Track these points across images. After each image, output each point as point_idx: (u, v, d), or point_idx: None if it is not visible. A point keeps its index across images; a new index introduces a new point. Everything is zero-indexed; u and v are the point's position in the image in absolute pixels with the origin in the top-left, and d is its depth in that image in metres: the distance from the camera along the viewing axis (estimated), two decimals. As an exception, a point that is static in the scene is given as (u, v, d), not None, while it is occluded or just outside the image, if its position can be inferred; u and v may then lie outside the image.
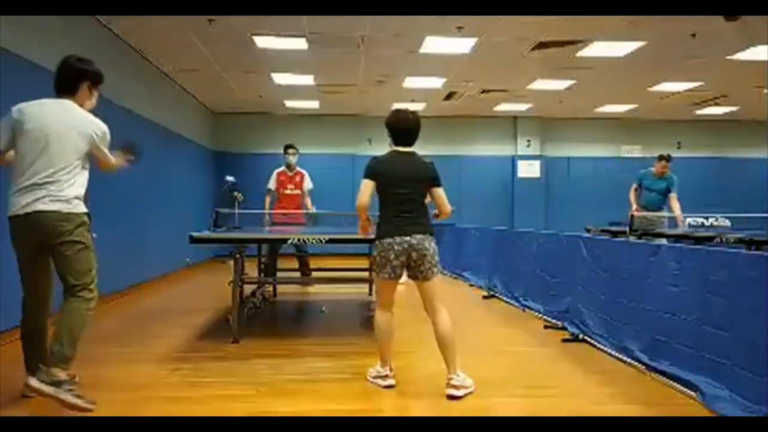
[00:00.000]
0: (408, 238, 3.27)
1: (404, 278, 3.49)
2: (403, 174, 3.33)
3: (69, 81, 3.11)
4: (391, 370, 3.43)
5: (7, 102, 4.39)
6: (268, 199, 7.19)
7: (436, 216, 3.50)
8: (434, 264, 3.33)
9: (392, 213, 3.33)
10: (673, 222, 7.25)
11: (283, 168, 7.23)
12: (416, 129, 3.42)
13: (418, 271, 3.32)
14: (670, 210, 7.25)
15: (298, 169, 7.22)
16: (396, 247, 3.27)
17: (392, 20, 6.34)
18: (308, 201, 7.19)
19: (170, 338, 4.60)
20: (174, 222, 8.72)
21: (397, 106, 12.11)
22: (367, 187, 3.34)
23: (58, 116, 3.00)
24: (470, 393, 3.22)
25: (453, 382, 3.21)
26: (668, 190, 7.26)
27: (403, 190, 3.32)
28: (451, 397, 3.16)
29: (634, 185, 7.53)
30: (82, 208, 3.01)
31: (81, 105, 3.11)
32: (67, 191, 2.95)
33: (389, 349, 3.44)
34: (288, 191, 7.13)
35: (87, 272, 3.00)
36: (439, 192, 3.41)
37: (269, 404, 3.10)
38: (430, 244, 3.31)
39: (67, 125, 2.99)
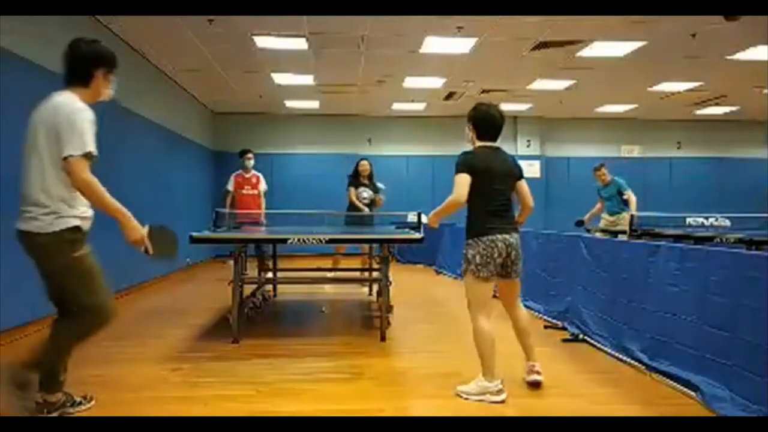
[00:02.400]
0: (508, 236, 3.22)
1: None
2: (499, 169, 3.25)
3: (81, 69, 2.80)
4: (501, 381, 3.19)
5: (7, 102, 4.41)
6: (228, 200, 7.81)
7: (519, 216, 3.46)
8: (523, 262, 3.38)
9: (490, 209, 3.23)
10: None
11: (240, 171, 7.93)
12: (502, 123, 3.35)
13: (511, 269, 3.30)
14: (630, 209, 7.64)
15: (254, 171, 7.92)
16: (499, 245, 3.19)
17: (392, 20, 6.34)
18: (261, 201, 7.92)
19: (170, 338, 4.60)
20: (174, 222, 8.68)
21: (397, 106, 12.05)
22: (465, 181, 3.16)
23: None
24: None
25: (536, 368, 3.37)
26: (620, 193, 7.80)
27: (499, 186, 3.25)
28: (535, 383, 3.35)
29: (599, 199, 8.14)
30: None
31: (97, 96, 2.86)
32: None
33: (494, 359, 3.21)
34: (245, 192, 7.82)
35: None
36: (525, 185, 3.38)
37: (269, 404, 3.10)
38: (520, 243, 3.33)
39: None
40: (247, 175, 7.86)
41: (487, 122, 3.31)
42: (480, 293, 3.24)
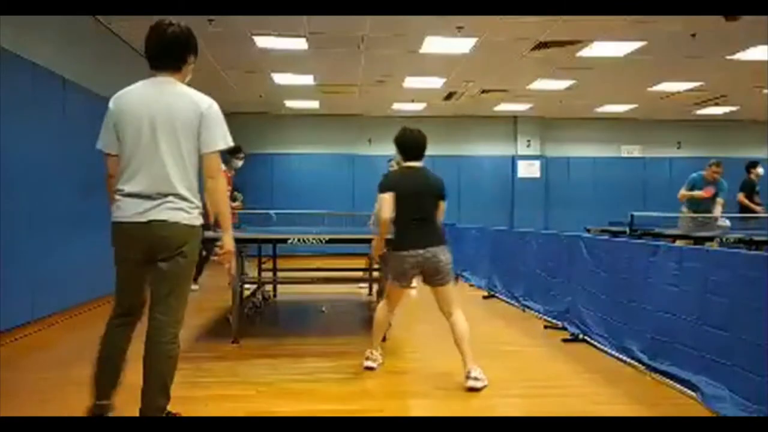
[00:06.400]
0: (422, 251, 3.43)
1: (414, 282, 3.61)
2: (416, 188, 3.50)
3: (176, 54, 2.60)
4: (380, 354, 3.81)
5: (7, 102, 4.41)
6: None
7: None
8: (447, 273, 3.50)
9: (407, 226, 3.49)
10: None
11: (224, 168, 7.01)
12: (423, 144, 3.63)
13: (431, 279, 3.51)
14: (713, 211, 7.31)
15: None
16: (410, 260, 3.44)
17: (392, 20, 6.34)
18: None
19: (170, 338, 4.59)
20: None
21: (397, 106, 12.09)
22: (386, 201, 3.47)
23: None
24: (486, 386, 3.32)
25: (473, 375, 3.32)
26: (716, 195, 7.31)
27: (417, 203, 3.49)
28: (472, 389, 3.28)
29: (685, 189, 7.58)
30: None
31: (183, 82, 2.69)
32: None
33: (381, 337, 3.84)
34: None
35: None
36: (443, 207, 3.61)
37: (269, 404, 3.10)
38: (443, 255, 3.47)
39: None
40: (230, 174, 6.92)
41: (407, 144, 3.62)
42: (391, 292, 3.66)
